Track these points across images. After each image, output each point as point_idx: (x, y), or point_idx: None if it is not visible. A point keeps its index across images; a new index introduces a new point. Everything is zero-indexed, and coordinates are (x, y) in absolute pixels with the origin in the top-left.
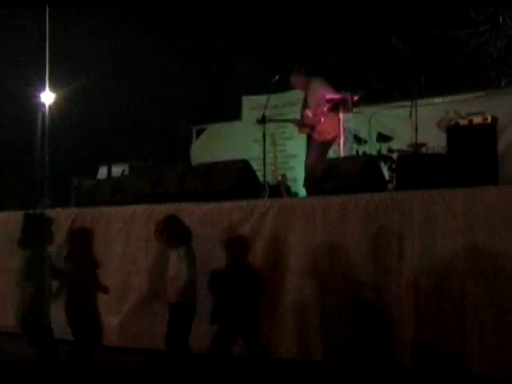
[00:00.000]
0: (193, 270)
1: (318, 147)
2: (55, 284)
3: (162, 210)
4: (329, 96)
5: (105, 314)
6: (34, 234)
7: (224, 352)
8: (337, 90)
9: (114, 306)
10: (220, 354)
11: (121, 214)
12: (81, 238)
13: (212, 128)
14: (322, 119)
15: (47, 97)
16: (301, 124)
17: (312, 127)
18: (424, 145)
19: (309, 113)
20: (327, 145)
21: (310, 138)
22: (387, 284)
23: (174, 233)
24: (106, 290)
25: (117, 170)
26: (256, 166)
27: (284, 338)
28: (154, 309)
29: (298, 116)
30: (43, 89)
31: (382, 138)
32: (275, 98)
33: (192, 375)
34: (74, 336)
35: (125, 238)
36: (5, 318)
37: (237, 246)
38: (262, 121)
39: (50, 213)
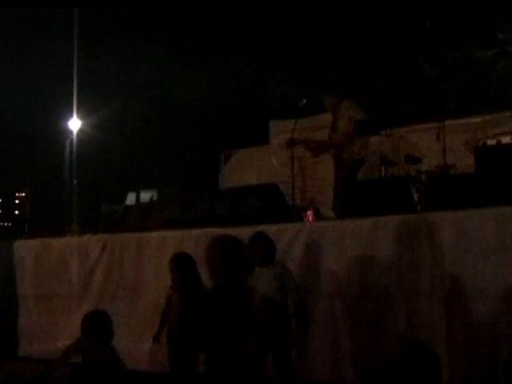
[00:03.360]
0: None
1: (347, 168)
2: None
3: (192, 234)
4: (357, 118)
5: (137, 339)
6: (269, 252)
7: None
8: (365, 112)
9: (145, 331)
10: None
11: (152, 239)
12: None
13: (240, 153)
14: (351, 141)
15: (74, 124)
16: (328, 146)
17: (341, 148)
18: (453, 166)
19: (338, 134)
20: (357, 165)
21: (338, 160)
22: (418, 305)
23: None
24: None
25: (145, 196)
26: (285, 189)
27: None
28: None
29: (325, 139)
30: (71, 116)
31: (411, 160)
32: (303, 122)
33: None
34: None
35: (156, 262)
36: None
37: None
38: (290, 144)
39: (81, 239)
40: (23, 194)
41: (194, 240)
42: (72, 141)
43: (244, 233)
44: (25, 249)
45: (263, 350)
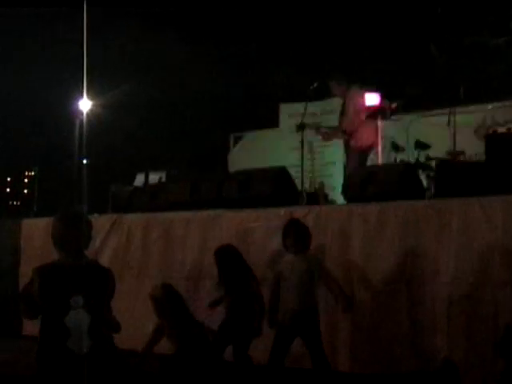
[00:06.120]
0: None
1: (356, 154)
2: None
3: (200, 217)
4: (367, 103)
5: (143, 320)
6: (304, 238)
7: None
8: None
9: (151, 312)
10: None
11: (159, 220)
12: None
13: (249, 135)
14: (360, 126)
15: (85, 104)
16: (338, 131)
17: (350, 134)
18: (462, 153)
19: (347, 120)
20: (365, 152)
21: (348, 146)
22: (422, 291)
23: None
24: None
25: (154, 178)
26: (294, 173)
27: None
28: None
29: (336, 124)
30: (81, 96)
31: (420, 145)
32: (313, 106)
33: None
34: None
35: (163, 244)
36: None
37: None
38: (301, 128)
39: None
40: (32, 173)
41: (202, 222)
42: (82, 121)
43: (251, 216)
44: (32, 228)
45: (289, 337)
